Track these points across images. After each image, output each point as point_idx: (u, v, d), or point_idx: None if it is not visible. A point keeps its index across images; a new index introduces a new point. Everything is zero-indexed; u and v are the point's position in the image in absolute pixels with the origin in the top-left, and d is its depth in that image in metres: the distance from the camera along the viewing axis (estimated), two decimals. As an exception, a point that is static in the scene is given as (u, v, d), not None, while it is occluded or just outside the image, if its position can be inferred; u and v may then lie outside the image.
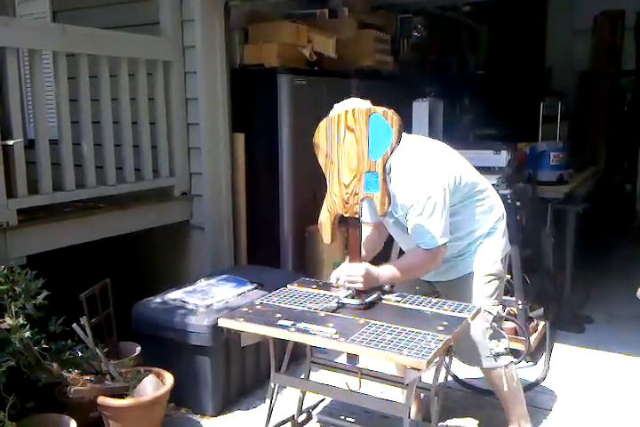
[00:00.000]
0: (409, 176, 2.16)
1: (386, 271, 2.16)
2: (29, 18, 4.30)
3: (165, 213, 3.58)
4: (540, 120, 5.26)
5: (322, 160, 2.12)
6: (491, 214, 2.39)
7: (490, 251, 2.37)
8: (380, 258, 2.50)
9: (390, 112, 1.96)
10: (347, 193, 2.07)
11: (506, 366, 2.40)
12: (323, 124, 2.10)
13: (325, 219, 2.13)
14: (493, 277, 2.38)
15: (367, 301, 2.13)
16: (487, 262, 2.36)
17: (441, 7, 5.87)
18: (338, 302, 2.13)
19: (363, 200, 2.05)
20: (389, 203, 2.00)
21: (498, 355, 2.38)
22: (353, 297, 2.14)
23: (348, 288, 2.14)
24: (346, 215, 2.09)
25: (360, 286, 2.10)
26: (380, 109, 1.98)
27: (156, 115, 3.47)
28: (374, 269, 2.14)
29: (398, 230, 2.35)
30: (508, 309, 3.26)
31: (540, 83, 6.45)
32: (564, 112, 5.56)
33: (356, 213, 2.08)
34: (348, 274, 2.12)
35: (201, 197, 3.68)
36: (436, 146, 2.35)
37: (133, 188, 3.38)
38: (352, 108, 2.03)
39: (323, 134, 2.10)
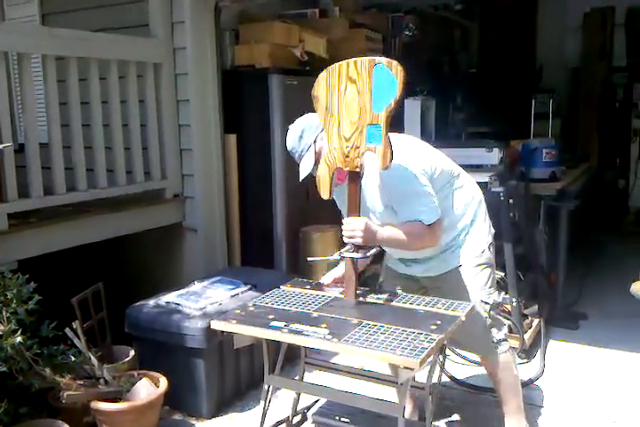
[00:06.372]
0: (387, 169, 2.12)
1: (385, 230, 2.11)
2: (18, 21, 4.28)
3: (158, 216, 3.57)
4: (532, 117, 5.28)
5: (320, 113, 2.06)
6: (472, 203, 2.37)
7: (476, 240, 2.35)
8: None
9: (395, 63, 1.90)
10: (347, 146, 2.02)
11: (506, 352, 2.41)
12: (322, 75, 2.04)
13: (324, 173, 2.08)
14: (485, 266, 2.37)
15: (368, 254, 2.10)
16: (476, 252, 2.34)
17: (432, 6, 5.89)
18: (340, 255, 2.10)
19: (364, 153, 2.00)
20: (392, 156, 1.95)
21: (499, 342, 2.39)
22: (353, 252, 2.10)
23: (347, 244, 2.10)
24: (345, 169, 2.05)
25: (359, 240, 2.04)
26: (385, 60, 1.92)
27: (147, 117, 3.46)
28: (374, 225, 2.10)
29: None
30: (503, 294, 3.21)
31: (532, 80, 6.47)
32: (556, 109, 5.59)
33: (356, 166, 2.03)
34: (347, 228, 2.07)
35: (193, 199, 3.67)
36: (405, 140, 2.30)
37: (125, 190, 3.36)
38: (354, 59, 1.96)
39: (322, 86, 2.04)
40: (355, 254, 2.10)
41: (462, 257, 2.34)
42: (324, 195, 2.12)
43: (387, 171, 2.07)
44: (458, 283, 2.33)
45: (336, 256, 2.12)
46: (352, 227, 2.05)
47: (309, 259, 2.39)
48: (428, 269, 2.37)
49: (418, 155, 2.22)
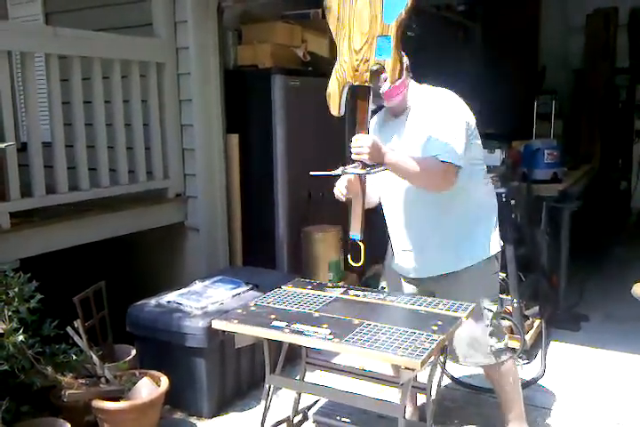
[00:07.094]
0: (434, 102, 2.11)
1: (396, 154, 2.02)
2: (22, 20, 4.29)
3: (160, 215, 3.57)
4: (534, 118, 5.27)
5: (332, 25, 2.02)
6: (488, 201, 2.35)
7: (485, 245, 2.31)
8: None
9: None
10: (357, 60, 1.97)
11: (505, 362, 2.39)
12: None
13: (334, 88, 2.04)
14: (492, 272, 2.35)
15: (373, 171, 2.01)
16: (483, 256, 2.30)
17: (435, 6, 5.88)
18: (343, 171, 2.03)
19: (373, 67, 1.95)
20: (401, 70, 1.91)
21: (499, 351, 2.36)
22: (359, 169, 2.04)
23: (354, 161, 2.03)
24: (355, 83, 2.00)
25: (366, 157, 1.96)
26: None
27: (150, 116, 3.46)
28: (384, 146, 2.00)
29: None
30: (505, 304, 3.25)
31: (535, 81, 6.46)
32: (559, 110, 5.58)
33: (365, 81, 1.98)
34: (355, 144, 1.98)
35: (195, 199, 3.67)
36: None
37: (127, 190, 3.36)
38: None
39: None
40: (358, 171, 2.03)
41: (466, 260, 2.29)
42: (334, 111, 2.07)
43: (434, 102, 2.09)
44: (461, 287, 2.30)
45: (339, 171, 2.04)
46: (359, 144, 1.97)
47: (312, 173, 2.23)
48: (429, 270, 2.34)
49: (468, 111, 2.19)
